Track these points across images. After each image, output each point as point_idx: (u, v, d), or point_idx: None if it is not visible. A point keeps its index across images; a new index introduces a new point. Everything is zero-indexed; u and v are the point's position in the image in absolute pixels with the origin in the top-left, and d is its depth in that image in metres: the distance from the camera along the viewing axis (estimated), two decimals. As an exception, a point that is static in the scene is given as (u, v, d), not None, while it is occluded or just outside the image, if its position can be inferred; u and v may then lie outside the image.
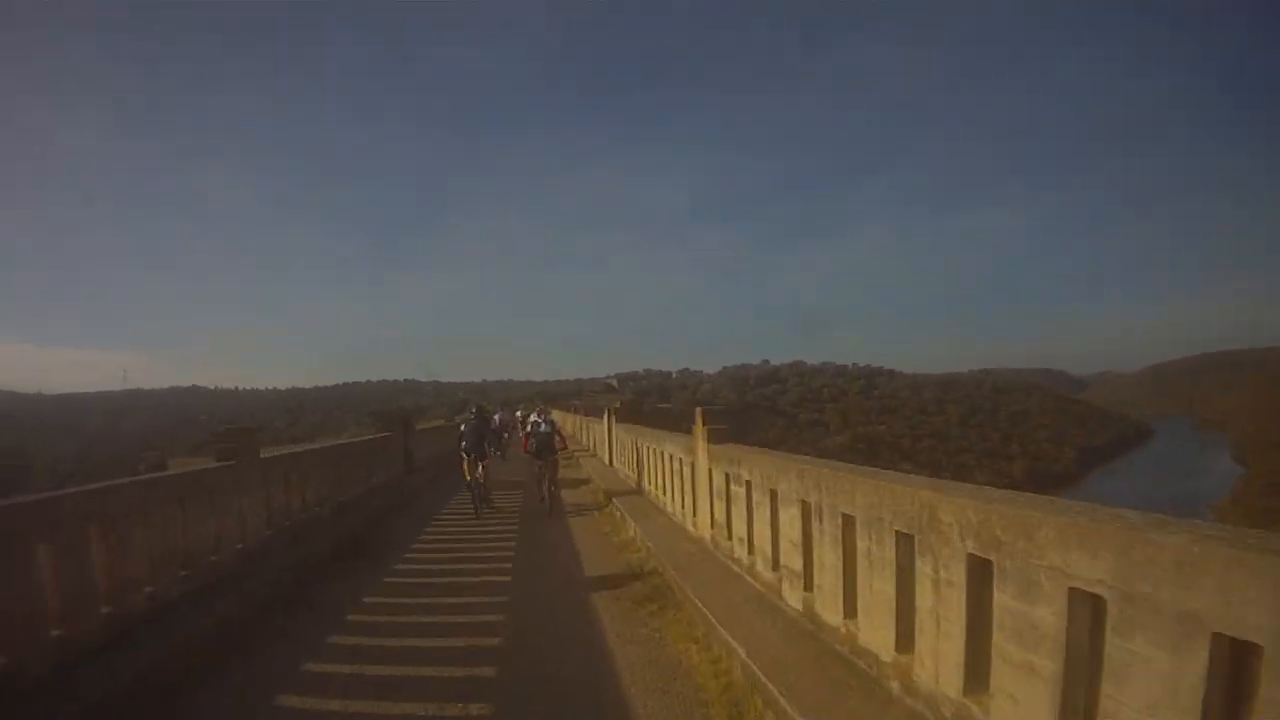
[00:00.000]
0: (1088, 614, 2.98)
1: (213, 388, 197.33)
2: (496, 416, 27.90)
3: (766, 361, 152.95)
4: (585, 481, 18.83)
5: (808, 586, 5.95)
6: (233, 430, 9.63)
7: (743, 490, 7.62)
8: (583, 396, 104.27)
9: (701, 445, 9.30)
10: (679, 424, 17.50)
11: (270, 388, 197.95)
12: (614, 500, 14.32)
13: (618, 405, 20.55)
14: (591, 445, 27.26)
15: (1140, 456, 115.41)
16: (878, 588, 4.71)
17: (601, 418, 22.85)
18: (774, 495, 6.70)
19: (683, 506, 10.83)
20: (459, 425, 18.34)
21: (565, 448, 16.23)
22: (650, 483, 14.13)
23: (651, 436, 14.15)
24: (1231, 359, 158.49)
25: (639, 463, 15.50)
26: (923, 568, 4.17)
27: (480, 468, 15.10)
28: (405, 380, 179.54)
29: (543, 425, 15.47)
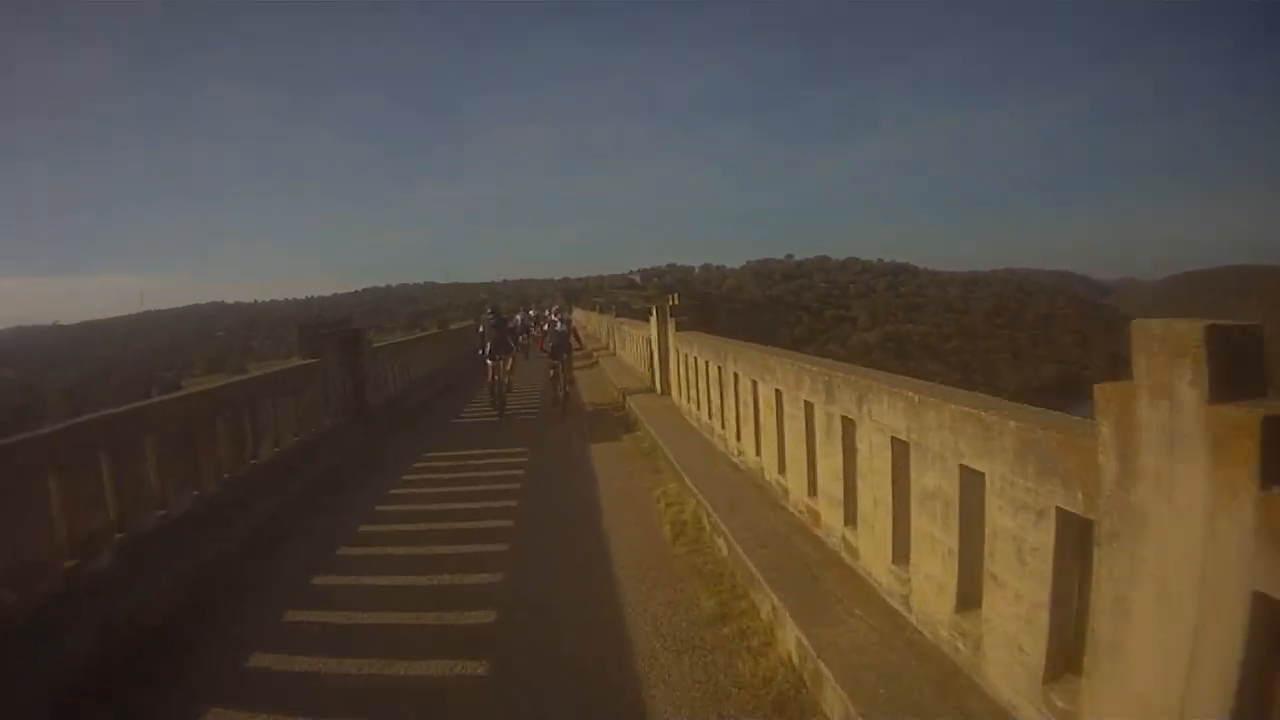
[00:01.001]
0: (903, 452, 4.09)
1: (232, 302, 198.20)
2: (517, 317, 27.40)
3: (790, 256, 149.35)
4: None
5: (739, 438, 7.82)
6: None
7: (698, 365, 10.00)
8: (604, 292, 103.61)
9: (672, 332, 12.38)
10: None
11: (289, 299, 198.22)
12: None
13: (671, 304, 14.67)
14: (612, 345, 25.80)
15: None
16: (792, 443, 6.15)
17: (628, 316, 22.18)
18: (720, 370, 8.69)
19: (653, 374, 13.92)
20: (477, 327, 17.54)
21: (581, 346, 16.03)
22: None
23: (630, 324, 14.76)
24: (1257, 272, 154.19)
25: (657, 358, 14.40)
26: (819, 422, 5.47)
27: (507, 364, 15.12)
28: (425, 283, 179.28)
29: (559, 324, 15.69)
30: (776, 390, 6.47)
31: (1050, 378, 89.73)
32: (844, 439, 4.93)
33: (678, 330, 12.81)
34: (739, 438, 7.98)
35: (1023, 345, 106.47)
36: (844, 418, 4.90)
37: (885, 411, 4.23)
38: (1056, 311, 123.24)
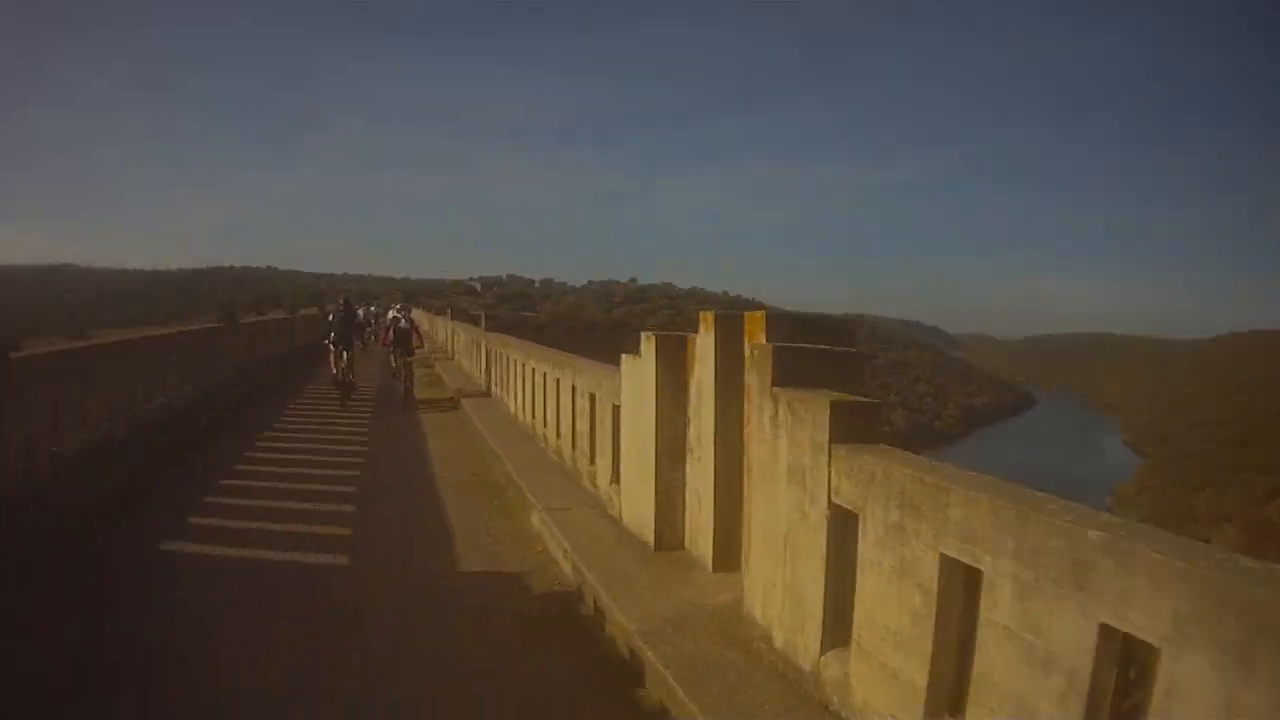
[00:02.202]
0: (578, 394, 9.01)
1: (84, 266, 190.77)
2: (360, 311, 29.09)
3: (634, 279, 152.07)
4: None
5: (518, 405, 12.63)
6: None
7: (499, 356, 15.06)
8: (444, 297, 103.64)
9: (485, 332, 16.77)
10: (538, 336, 19.37)
11: (135, 269, 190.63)
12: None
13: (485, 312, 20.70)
14: (451, 350, 27.66)
15: (1023, 423, 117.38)
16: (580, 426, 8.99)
17: (467, 322, 24.86)
18: (523, 365, 12.71)
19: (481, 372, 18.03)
20: (328, 315, 19.00)
21: (421, 345, 18.16)
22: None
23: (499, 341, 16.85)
24: (1107, 342, 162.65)
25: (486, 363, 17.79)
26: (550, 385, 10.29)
27: (346, 358, 15.83)
28: (266, 267, 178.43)
29: (403, 321, 16.77)
30: (532, 368, 11.66)
31: (901, 424, 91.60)
32: (558, 393, 9.86)
33: (486, 330, 17.76)
34: (518, 404, 13.07)
35: (872, 391, 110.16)
36: (557, 380, 9.93)
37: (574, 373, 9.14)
38: (911, 359, 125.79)
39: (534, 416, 11.61)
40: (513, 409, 13.52)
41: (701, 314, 5.45)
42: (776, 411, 4.14)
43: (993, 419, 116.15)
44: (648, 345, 5.98)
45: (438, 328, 33.82)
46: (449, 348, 28.11)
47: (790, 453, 3.97)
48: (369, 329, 28.42)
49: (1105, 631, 2.16)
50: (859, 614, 3.38)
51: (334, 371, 16.00)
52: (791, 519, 3.99)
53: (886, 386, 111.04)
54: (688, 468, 5.83)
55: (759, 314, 4.61)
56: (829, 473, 3.60)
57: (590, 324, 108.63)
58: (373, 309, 34.20)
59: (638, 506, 6.42)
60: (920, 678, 2.92)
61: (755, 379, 4.44)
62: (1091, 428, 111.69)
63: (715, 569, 5.38)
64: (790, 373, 4.20)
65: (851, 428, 3.61)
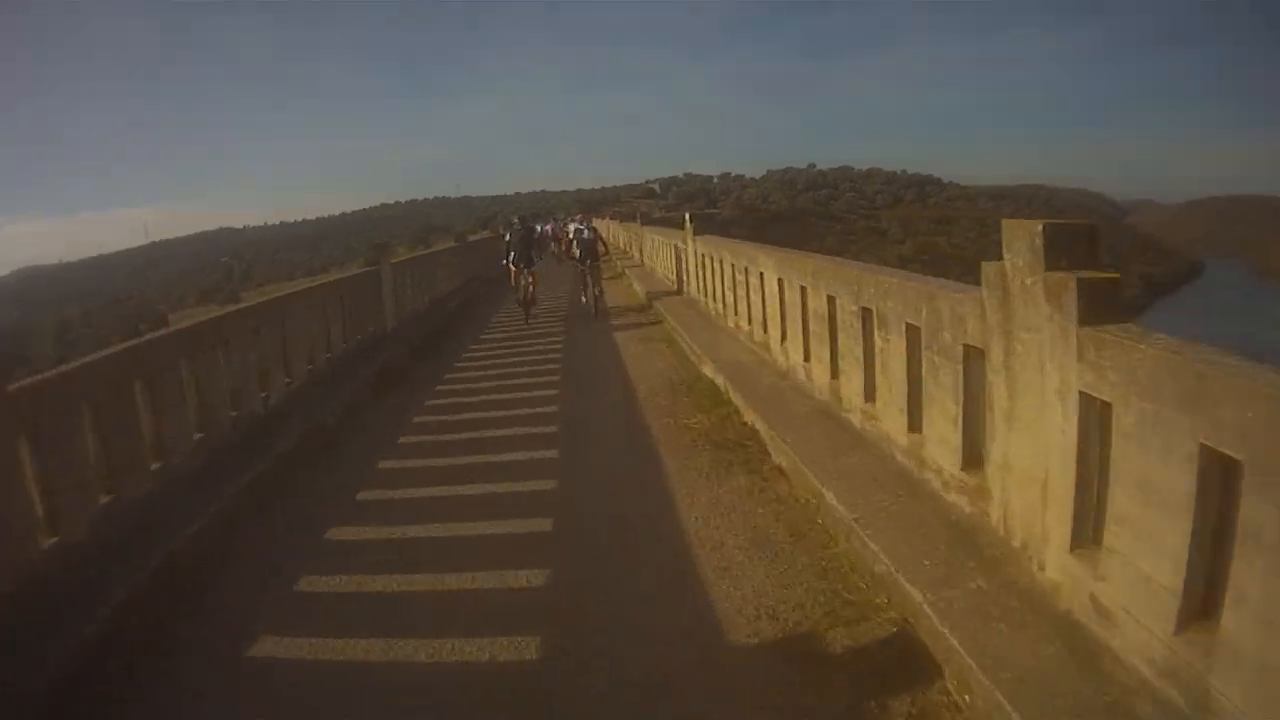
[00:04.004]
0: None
1: (241, 227, 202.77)
2: (544, 227, 29.31)
3: (813, 165, 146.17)
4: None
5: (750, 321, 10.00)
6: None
7: (710, 261, 12.77)
8: (622, 203, 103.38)
9: (690, 237, 14.70)
10: (726, 231, 17.69)
11: (301, 219, 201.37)
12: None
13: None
14: (638, 256, 27.03)
15: (1199, 293, 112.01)
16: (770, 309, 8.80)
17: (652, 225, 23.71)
18: (722, 261, 11.67)
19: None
20: (505, 236, 18.68)
21: (608, 253, 18.75)
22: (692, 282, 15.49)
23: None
24: (1263, 202, 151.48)
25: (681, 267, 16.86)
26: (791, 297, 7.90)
27: (530, 276, 16.10)
28: (435, 198, 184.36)
29: (585, 232, 16.85)
30: (746, 270, 9.88)
31: None
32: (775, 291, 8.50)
33: (694, 235, 14.99)
34: (725, 306, 11.83)
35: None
36: (778, 279, 8.36)
37: (797, 273, 7.60)
38: None
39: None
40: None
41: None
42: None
43: (1170, 288, 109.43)
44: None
45: (617, 234, 33.64)
46: (636, 254, 27.41)
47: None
48: (555, 245, 27.89)
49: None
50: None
51: (516, 291, 16.41)
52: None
53: None
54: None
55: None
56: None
57: (776, 214, 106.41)
58: (549, 226, 33.72)
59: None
60: (1175, 581, 2.69)
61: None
62: (1265, 298, 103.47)
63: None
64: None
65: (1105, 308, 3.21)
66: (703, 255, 13.74)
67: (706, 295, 13.52)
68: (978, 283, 4.08)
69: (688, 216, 16.18)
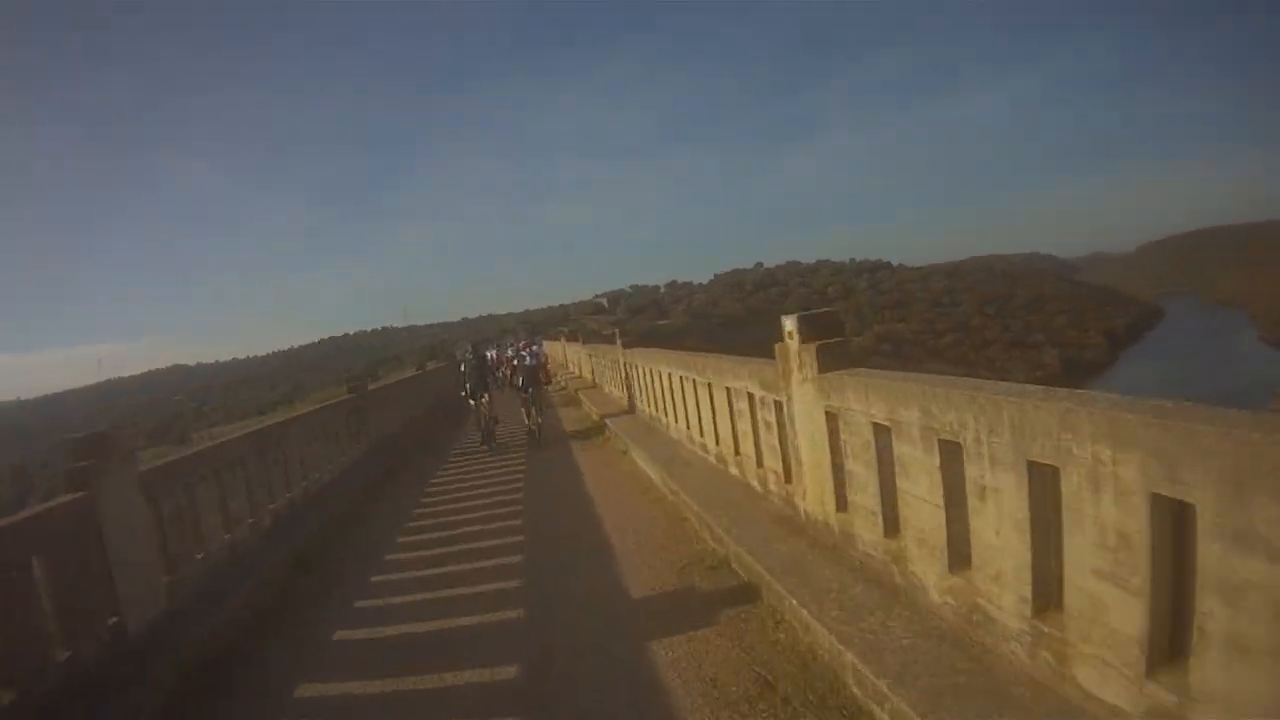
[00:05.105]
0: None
1: (193, 364, 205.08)
2: (491, 353, 30.51)
3: (760, 264, 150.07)
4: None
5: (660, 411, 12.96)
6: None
7: (638, 370, 15.24)
8: (571, 320, 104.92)
9: (621, 350, 15.88)
10: (678, 343, 18.61)
11: (250, 356, 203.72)
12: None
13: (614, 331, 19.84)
14: (592, 377, 26.47)
15: (1161, 337, 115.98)
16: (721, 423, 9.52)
17: (601, 343, 24.37)
18: (661, 374, 12.97)
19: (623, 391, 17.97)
20: (459, 366, 19.86)
21: (550, 380, 19.25)
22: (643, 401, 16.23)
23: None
24: (1220, 234, 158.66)
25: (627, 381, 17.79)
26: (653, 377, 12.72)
27: (487, 401, 16.91)
28: (381, 328, 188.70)
29: (528, 359, 17.83)
30: (668, 373, 11.96)
31: (1053, 364, 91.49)
32: (697, 394, 10.37)
33: (624, 349, 16.81)
34: (660, 410, 13.45)
35: (1018, 333, 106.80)
36: (695, 381, 10.27)
37: (720, 376, 9.16)
38: (1045, 294, 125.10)
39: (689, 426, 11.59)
40: (665, 422, 13.43)
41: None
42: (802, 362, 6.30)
43: (1133, 338, 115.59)
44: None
45: (572, 357, 33.21)
46: (587, 374, 27.48)
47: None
48: (500, 370, 28.74)
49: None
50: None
51: (479, 421, 17.03)
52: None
53: (1029, 325, 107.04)
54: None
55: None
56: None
57: (727, 319, 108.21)
58: (493, 352, 34.91)
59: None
60: (874, 504, 5.52)
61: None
62: (1223, 328, 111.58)
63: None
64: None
65: (834, 361, 5.99)
66: (631, 365, 16.11)
67: (648, 405, 14.82)
68: (946, 363, 5.96)
69: (617, 332, 18.17)
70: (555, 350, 39.00)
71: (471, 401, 17.09)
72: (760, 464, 8.05)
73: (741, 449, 8.71)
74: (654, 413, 14.26)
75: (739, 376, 8.43)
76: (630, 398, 17.02)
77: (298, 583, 8.52)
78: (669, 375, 12.25)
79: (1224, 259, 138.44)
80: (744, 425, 8.40)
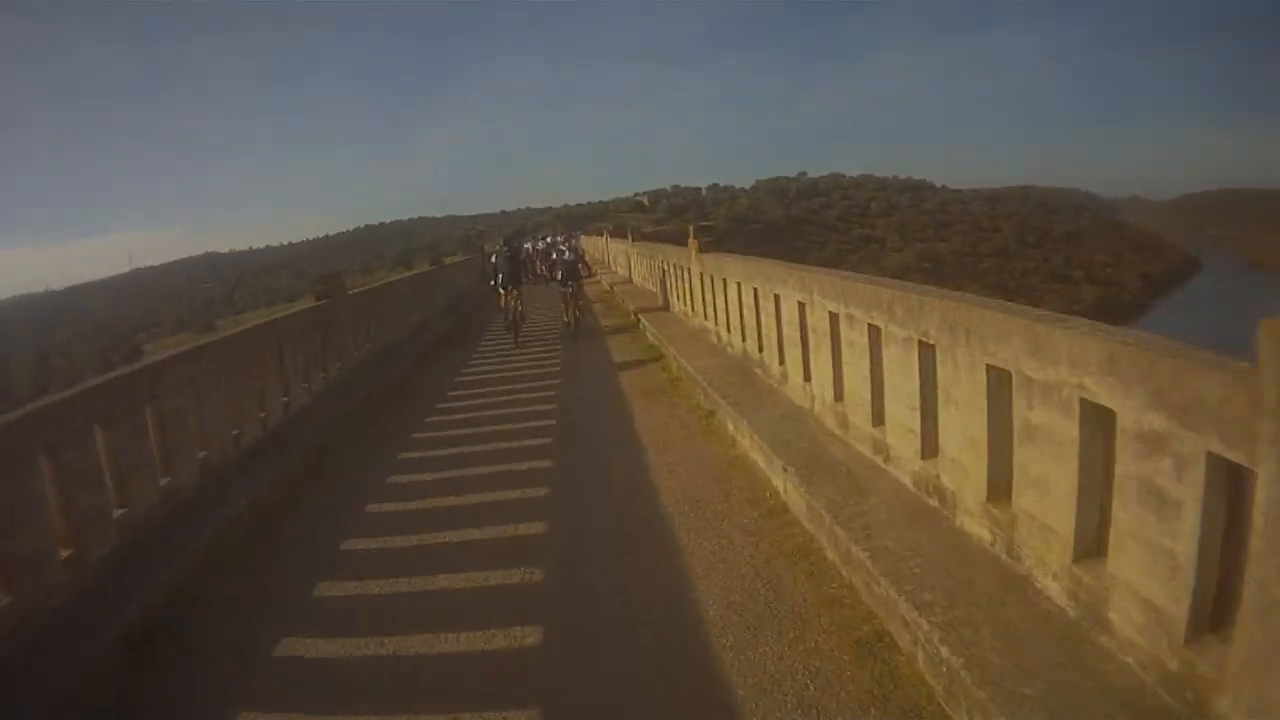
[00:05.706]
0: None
1: (226, 251, 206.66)
2: (527, 247, 29.94)
3: (804, 173, 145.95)
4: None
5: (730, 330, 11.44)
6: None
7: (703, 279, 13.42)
8: (610, 216, 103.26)
9: (695, 254, 13.66)
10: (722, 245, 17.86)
11: (285, 243, 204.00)
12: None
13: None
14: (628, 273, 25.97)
15: (1200, 287, 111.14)
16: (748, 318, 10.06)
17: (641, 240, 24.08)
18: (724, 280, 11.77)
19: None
20: (490, 257, 19.12)
21: (590, 275, 19.15)
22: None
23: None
24: (1251, 196, 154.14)
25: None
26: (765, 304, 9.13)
27: (517, 296, 16.56)
28: (419, 218, 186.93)
29: (567, 254, 17.98)
30: (738, 284, 10.41)
31: (1091, 300, 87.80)
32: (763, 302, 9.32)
33: (700, 253, 13.38)
34: (706, 316, 13.08)
35: (1057, 266, 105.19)
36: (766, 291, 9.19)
37: (785, 286, 8.13)
38: (1082, 230, 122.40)
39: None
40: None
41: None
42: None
43: (1170, 286, 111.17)
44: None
45: (615, 254, 31.84)
46: (638, 279, 24.51)
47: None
48: (535, 264, 28.16)
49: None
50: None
51: (506, 313, 16.71)
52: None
53: (1070, 260, 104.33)
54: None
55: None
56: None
57: (770, 225, 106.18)
58: (542, 242, 34.15)
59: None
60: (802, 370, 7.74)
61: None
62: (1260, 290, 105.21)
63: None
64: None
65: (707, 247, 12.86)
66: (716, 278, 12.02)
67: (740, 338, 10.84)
68: (983, 287, 5.11)
69: (691, 230, 14.31)
70: (594, 245, 38.47)
71: (501, 290, 16.62)
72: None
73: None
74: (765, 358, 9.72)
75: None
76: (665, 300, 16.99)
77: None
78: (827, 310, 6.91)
79: (1268, 220, 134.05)
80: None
